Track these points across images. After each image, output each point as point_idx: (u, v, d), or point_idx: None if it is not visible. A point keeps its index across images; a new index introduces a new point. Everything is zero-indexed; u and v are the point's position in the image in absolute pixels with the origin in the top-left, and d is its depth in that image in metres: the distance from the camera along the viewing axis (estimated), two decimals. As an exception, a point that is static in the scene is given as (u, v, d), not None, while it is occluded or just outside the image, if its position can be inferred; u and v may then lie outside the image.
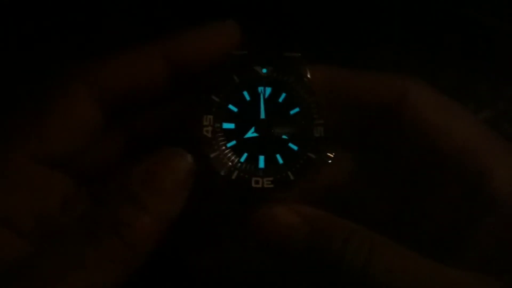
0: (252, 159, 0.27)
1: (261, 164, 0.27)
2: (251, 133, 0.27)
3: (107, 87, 0.27)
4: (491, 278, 0.24)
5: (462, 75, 0.43)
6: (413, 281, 0.23)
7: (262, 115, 0.27)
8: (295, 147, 0.27)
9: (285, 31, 0.43)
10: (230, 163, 0.26)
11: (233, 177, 0.26)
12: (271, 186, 0.26)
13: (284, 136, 0.27)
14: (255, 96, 0.27)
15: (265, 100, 0.27)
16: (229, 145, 0.27)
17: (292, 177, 0.26)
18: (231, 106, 0.27)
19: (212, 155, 0.26)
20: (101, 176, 0.28)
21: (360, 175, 0.29)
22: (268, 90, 0.27)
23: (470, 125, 0.27)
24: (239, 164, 0.27)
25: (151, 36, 0.28)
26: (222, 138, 0.27)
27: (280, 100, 0.27)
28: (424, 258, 0.24)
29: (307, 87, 0.27)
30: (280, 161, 0.27)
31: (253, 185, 0.26)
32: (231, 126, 0.27)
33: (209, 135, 0.26)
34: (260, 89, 0.27)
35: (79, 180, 0.27)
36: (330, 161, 0.26)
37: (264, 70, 0.27)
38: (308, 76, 0.27)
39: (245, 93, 0.27)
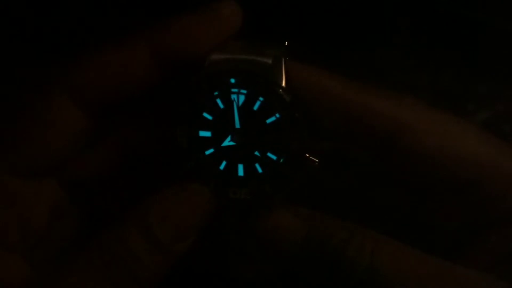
0: (231, 167, 0.26)
1: (240, 172, 0.26)
2: (227, 142, 0.26)
3: (90, 90, 0.25)
4: (499, 280, 0.24)
5: (462, 75, 0.43)
6: (419, 279, 0.23)
7: (237, 125, 0.26)
8: (273, 157, 0.26)
9: (283, 31, 0.43)
10: (207, 173, 0.26)
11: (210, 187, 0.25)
12: (248, 197, 0.25)
13: (260, 147, 0.26)
14: (229, 104, 0.26)
15: (239, 108, 0.26)
16: (207, 153, 0.26)
17: (269, 191, 0.25)
18: (205, 114, 0.26)
19: (188, 165, 0.25)
20: (92, 182, 0.27)
21: (365, 178, 0.29)
22: (242, 98, 0.26)
23: (477, 143, 0.26)
24: (218, 173, 0.26)
25: (134, 26, 0.26)
26: (199, 147, 0.26)
27: (255, 108, 0.26)
28: (429, 255, 0.24)
29: (281, 97, 0.25)
30: (260, 170, 0.26)
31: (231, 195, 0.25)
32: (207, 134, 0.26)
33: (184, 145, 0.26)
34: (233, 97, 0.26)
35: (69, 188, 0.27)
36: (316, 164, 0.25)
37: (232, 80, 0.26)
38: (283, 84, 0.26)
39: (218, 101, 0.26)
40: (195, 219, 0.24)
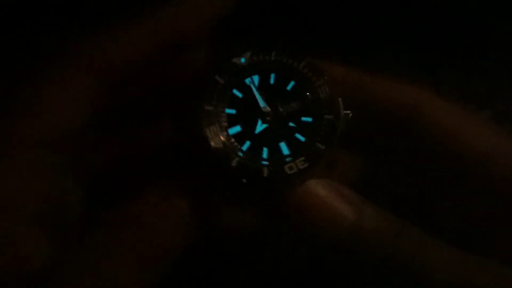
0: (255, 150, 0.25)
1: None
2: (260, 126, 0.25)
3: (107, 63, 0.25)
4: None
5: (462, 75, 0.43)
6: (463, 276, 0.23)
7: (262, 103, 0.25)
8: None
9: (283, 30, 0.43)
10: (253, 166, 0.25)
11: (265, 174, 0.24)
12: (306, 166, 0.24)
13: (292, 124, 0.25)
14: (246, 89, 0.26)
15: (258, 88, 0.26)
16: (244, 148, 0.25)
17: (322, 147, 0.24)
18: (228, 110, 0.26)
19: (233, 164, 0.24)
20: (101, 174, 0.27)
21: (376, 174, 0.29)
22: (256, 78, 0.26)
23: (489, 132, 0.27)
24: (240, 153, 0.25)
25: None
26: (235, 144, 0.25)
27: (272, 82, 0.26)
28: (469, 253, 0.24)
29: (317, 74, 0.25)
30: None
31: (288, 172, 0.24)
32: (237, 129, 0.26)
33: (220, 145, 0.25)
34: (247, 81, 0.26)
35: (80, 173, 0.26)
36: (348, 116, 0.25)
37: (243, 60, 0.25)
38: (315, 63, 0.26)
39: (235, 91, 0.26)
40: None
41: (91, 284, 0.22)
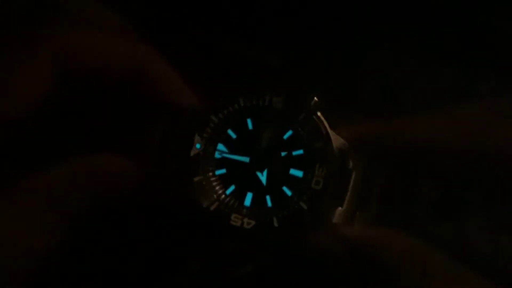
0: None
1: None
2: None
3: (71, 56, 0.25)
4: None
5: (462, 75, 0.43)
6: None
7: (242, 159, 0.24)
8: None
9: (283, 30, 0.43)
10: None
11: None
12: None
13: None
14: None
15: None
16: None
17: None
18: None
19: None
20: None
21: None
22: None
23: None
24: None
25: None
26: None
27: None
28: (483, 278, 0.23)
29: (318, 128, 0.24)
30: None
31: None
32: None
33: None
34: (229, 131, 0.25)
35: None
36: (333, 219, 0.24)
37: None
38: (319, 115, 0.24)
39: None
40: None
41: None
